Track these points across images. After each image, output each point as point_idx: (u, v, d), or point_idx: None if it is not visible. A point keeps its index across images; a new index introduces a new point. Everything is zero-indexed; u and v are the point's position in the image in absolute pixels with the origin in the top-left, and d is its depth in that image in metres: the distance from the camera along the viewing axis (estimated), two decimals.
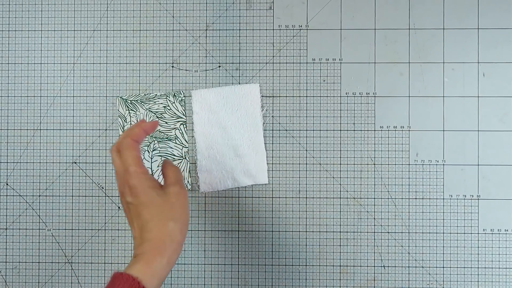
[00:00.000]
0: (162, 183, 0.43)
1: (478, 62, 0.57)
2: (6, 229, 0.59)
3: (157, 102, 0.59)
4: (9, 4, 0.60)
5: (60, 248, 0.59)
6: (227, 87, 0.58)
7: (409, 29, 0.58)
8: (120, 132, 0.59)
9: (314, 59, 0.58)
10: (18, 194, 0.59)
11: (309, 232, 0.58)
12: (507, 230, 0.57)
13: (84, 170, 0.59)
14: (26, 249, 0.59)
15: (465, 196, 0.57)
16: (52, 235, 0.59)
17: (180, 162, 0.58)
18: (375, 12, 0.58)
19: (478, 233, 0.57)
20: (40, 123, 0.59)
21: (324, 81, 0.58)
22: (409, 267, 0.57)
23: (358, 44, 0.58)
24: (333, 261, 0.57)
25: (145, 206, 0.39)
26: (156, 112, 0.59)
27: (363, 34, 0.58)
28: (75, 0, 0.59)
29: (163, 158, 0.58)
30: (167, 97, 0.59)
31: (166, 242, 0.38)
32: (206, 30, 0.59)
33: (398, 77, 0.58)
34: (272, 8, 0.59)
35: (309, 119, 0.58)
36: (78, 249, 0.59)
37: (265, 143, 0.58)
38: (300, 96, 0.58)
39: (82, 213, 0.59)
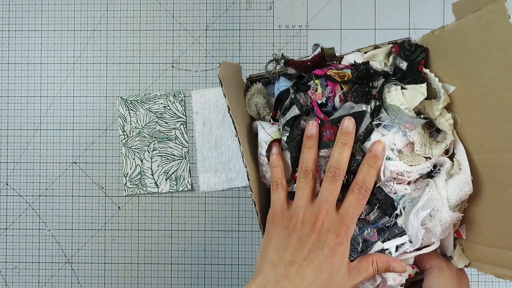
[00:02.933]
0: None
1: None
2: (6, 229, 0.59)
3: (157, 102, 0.59)
4: (9, 4, 0.60)
5: (60, 248, 0.59)
6: None
7: (409, 29, 0.58)
8: (120, 132, 0.59)
9: None
10: (18, 194, 0.59)
11: None
12: None
13: (84, 170, 0.59)
14: (26, 249, 0.59)
15: None
16: (52, 235, 0.59)
17: (180, 162, 0.58)
18: (375, 12, 0.58)
19: None
20: (40, 123, 0.59)
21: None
22: None
23: (358, 44, 0.58)
24: None
25: None
26: (156, 112, 0.59)
27: (363, 34, 0.58)
28: (75, 0, 0.59)
29: (163, 158, 0.58)
30: (167, 97, 0.59)
31: None
32: (206, 30, 0.59)
33: None
34: (272, 8, 0.59)
35: None
36: (78, 249, 0.59)
37: None
38: None
39: (82, 213, 0.59)
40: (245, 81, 0.45)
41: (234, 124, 0.36)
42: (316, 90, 0.38)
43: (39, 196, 0.59)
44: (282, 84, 0.41)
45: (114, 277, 0.59)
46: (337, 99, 0.37)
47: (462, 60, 0.33)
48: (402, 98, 0.34)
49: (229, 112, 0.36)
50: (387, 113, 0.35)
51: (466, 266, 0.37)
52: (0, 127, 0.59)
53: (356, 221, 0.35)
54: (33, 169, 0.59)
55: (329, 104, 0.37)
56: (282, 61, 0.40)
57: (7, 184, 0.59)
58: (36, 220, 0.59)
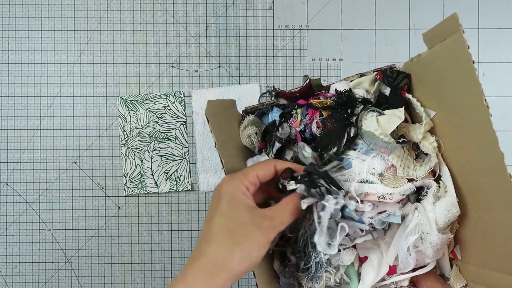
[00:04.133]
0: None
1: (478, 62, 0.57)
2: (6, 229, 0.59)
3: (157, 102, 0.59)
4: (9, 4, 0.60)
5: (60, 248, 0.59)
6: (227, 87, 0.58)
7: (409, 29, 0.58)
8: (120, 132, 0.59)
9: (314, 59, 0.58)
10: (18, 194, 0.59)
11: None
12: None
13: (84, 170, 0.59)
14: (26, 249, 0.59)
15: None
16: (52, 235, 0.59)
17: (180, 162, 0.58)
18: (375, 12, 0.58)
19: None
20: (40, 123, 0.59)
21: (324, 81, 0.58)
22: None
23: (358, 44, 0.58)
24: None
25: None
26: (156, 112, 0.59)
27: (363, 34, 0.58)
28: (75, 0, 0.59)
29: (163, 158, 0.58)
30: (167, 97, 0.59)
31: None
32: (206, 30, 0.59)
33: None
34: (272, 8, 0.59)
35: None
36: (78, 249, 0.59)
37: None
38: None
39: (82, 213, 0.59)
40: (241, 113, 0.46)
41: (220, 158, 0.37)
42: (297, 119, 0.40)
43: (39, 196, 0.59)
44: (275, 114, 0.43)
45: (114, 277, 0.59)
46: (314, 125, 0.38)
47: (437, 86, 0.34)
48: (376, 124, 0.35)
49: (215, 147, 0.37)
50: (363, 139, 0.36)
51: (463, 286, 0.37)
52: (0, 127, 0.59)
53: None
54: (33, 169, 0.59)
55: (306, 131, 0.39)
56: (274, 93, 0.43)
57: (7, 184, 0.59)
58: (36, 220, 0.59)
